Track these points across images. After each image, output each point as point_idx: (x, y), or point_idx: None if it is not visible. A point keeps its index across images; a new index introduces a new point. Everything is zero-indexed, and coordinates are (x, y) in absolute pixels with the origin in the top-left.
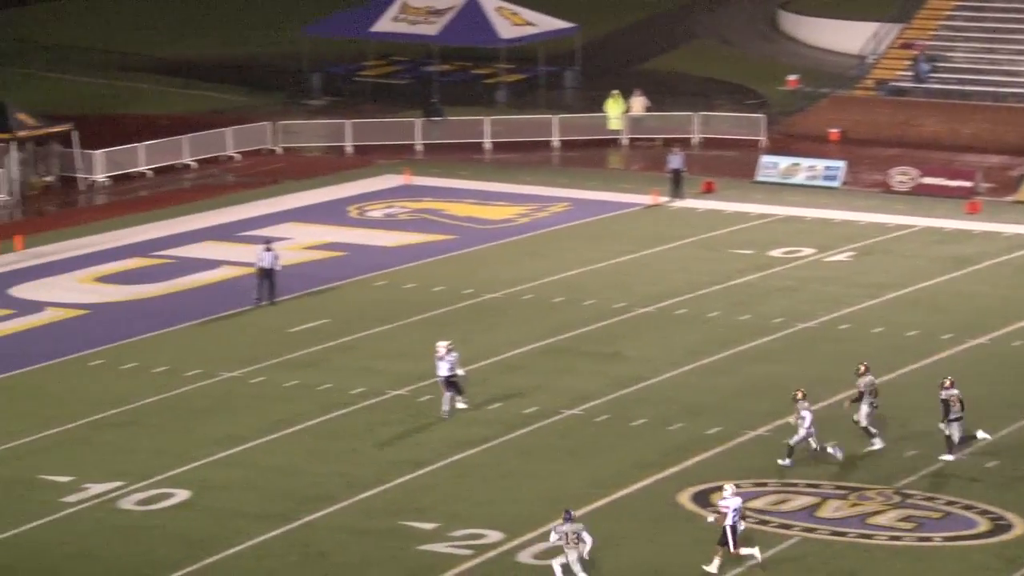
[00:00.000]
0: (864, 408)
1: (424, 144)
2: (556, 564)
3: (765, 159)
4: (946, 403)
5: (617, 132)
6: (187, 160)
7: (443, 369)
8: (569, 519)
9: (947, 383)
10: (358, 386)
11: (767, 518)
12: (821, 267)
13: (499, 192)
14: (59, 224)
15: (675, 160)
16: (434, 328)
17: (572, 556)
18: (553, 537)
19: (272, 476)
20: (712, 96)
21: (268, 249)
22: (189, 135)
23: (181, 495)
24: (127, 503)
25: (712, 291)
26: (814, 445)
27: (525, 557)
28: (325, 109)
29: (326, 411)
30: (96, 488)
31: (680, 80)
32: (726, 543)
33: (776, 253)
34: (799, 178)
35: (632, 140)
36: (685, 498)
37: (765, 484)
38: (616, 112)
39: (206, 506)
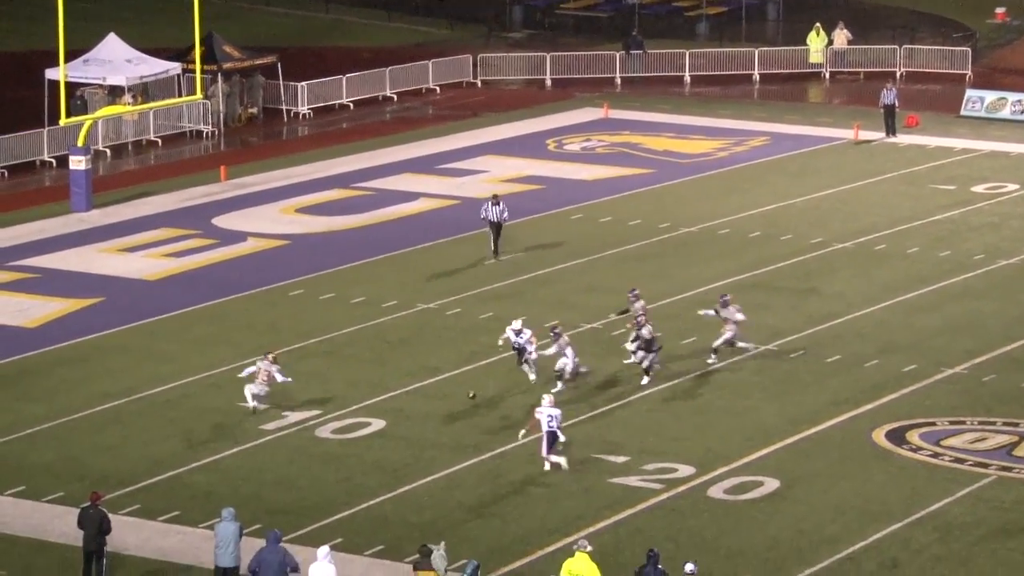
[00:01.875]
0: None
1: (623, 77)
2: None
3: (970, 93)
4: None
5: (818, 65)
6: (388, 93)
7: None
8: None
9: None
10: (552, 319)
11: (963, 456)
12: None
13: (697, 126)
14: (262, 155)
15: (888, 95)
16: (630, 262)
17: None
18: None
19: (465, 407)
20: (917, 29)
21: (496, 202)
22: (390, 68)
23: (377, 424)
24: (324, 432)
25: (912, 227)
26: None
27: (716, 492)
28: (525, 42)
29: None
30: (295, 416)
31: (884, 13)
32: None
33: (979, 189)
34: (1005, 113)
35: (833, 74)
36: (880, 436)
37: (963, 423)
38: (818, 45)
39: (400, 436)
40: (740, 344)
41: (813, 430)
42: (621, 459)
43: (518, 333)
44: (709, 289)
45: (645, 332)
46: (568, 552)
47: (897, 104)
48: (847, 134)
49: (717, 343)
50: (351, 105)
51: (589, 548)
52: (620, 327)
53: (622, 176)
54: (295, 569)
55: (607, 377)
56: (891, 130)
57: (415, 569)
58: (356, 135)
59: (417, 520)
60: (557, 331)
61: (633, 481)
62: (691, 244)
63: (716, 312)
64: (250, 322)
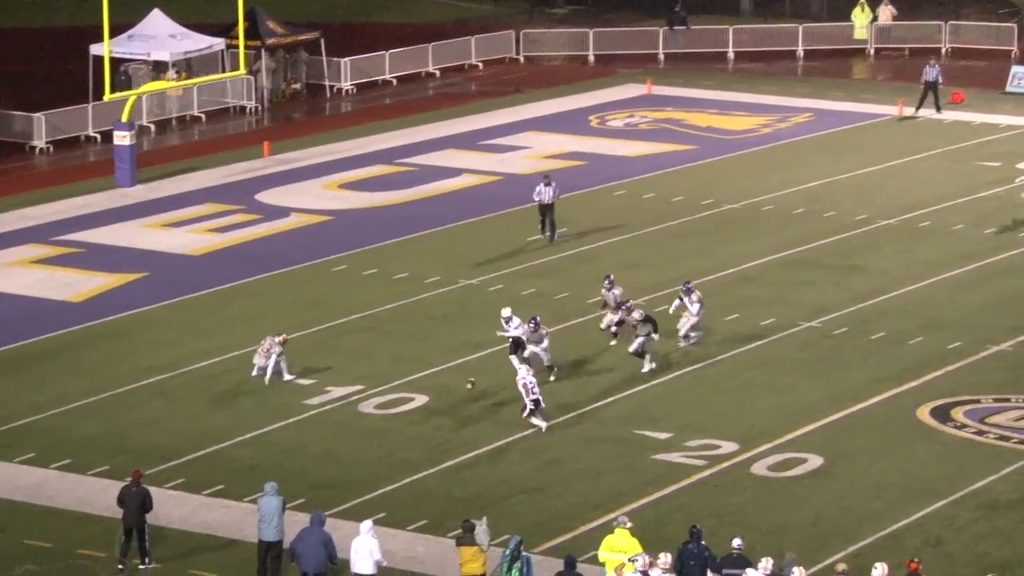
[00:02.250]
0: None
1: (666, 53)
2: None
3: (1016, 69)
4: None
5: (863, 42)
6: (431, 69)
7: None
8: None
9: None
10: (594, 295)
11: (1008, 434)
12: None
13: (741, 102)
14: (305, 131)
15: (931, 72)
16: (672, 239)
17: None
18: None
19: (509, 383)
20: (962, 5)
21: (548, 183)
22: (433, 44)
23: (419, 400)
24: (367, 407)
25: (957, 204)
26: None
27: (759, 469)
28: (568, 18)
29: (562, 320)
30: (338, 391)
31: None
32: (537, 407)
33: None
34: None
35: (878, 50)
36: (924, 413)
37: (1008, 400)
38: (863, 21)
39: (443, 411)
40: (692, 333)
41: (857, 407)
42: (664, 435)
43: (507, 321)
44: (752, 266)
45: (637, 315)
46: (610, 528)
47: (940, 81)
48: (891, 111)
49: (684, 329)
50: (394, 81)
51: (629, 524)
52: (662, 303)
53: (665, 152)
54: (333, 560)
55: (649, 351)
56: (934, 106)
57: (458, 544)
58: (399, 111)
59: (460, 495)
60: (535, 322)
61: (676, 457)
62: (734, 221)
63: (681, 299)
64: (293, 297)
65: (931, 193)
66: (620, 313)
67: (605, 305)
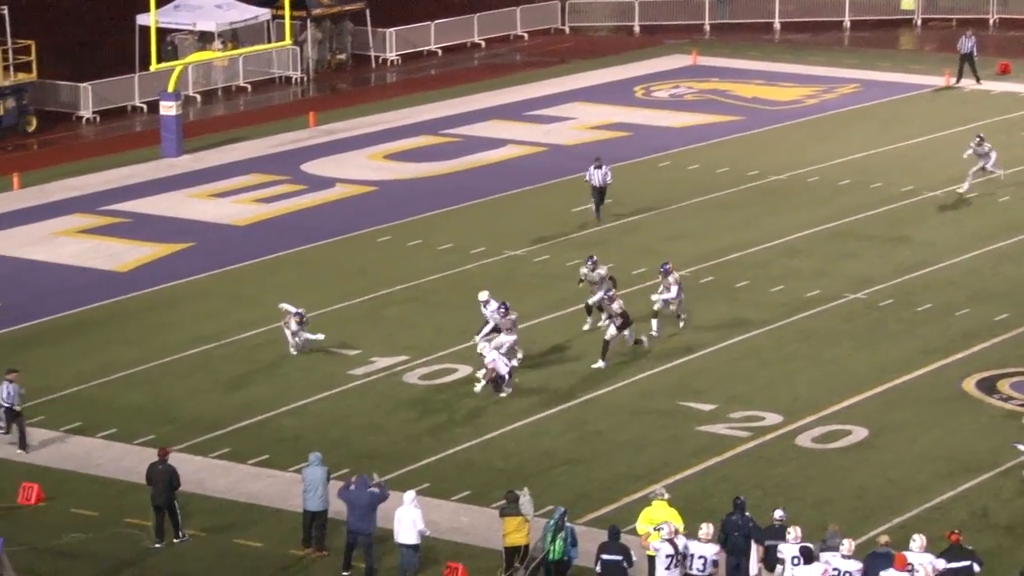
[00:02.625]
0: None
1: (712, 24)
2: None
3: None
4: None
5: (910, 12)
6: (476, 39)
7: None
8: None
9: None
10: (640, 266)
11: None
12: None
13: (787, 73)
14: (351, 101)
15: (967, 44)
16: (717, 210)
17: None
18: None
19: (552, 354)
20: None
21: (599, 166)
22: (478, 14)
23: (463, 371)
24: (411, 377)
25: (1004, 175)
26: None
27: (804, 441)
28: None
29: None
30: (382, 362)
31: None
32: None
33: None
34: None
35: (925, 20)
36: (970, 385)
37: None
38: None
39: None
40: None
41: (902, 379)
42: (708, 407)
43: (484, 305)
44: (797, 237)
45: (616, 307)
46: (649, 501)
47: (976, 52)
48: (938, 81)
49: (658, 306)
50: (439, 51)
51: (667, 496)
52: (706, 275)
53: (710, 123)
54: (384, 499)
55: (694, 323)
56: (974, 76)
57: (502, 515)
58: (444, 82)
59: (504, 466)
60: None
61: (720, 429)
62: (780, 192)
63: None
64: (338, 268)
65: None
66: (603, 297)
67: (582, 281)
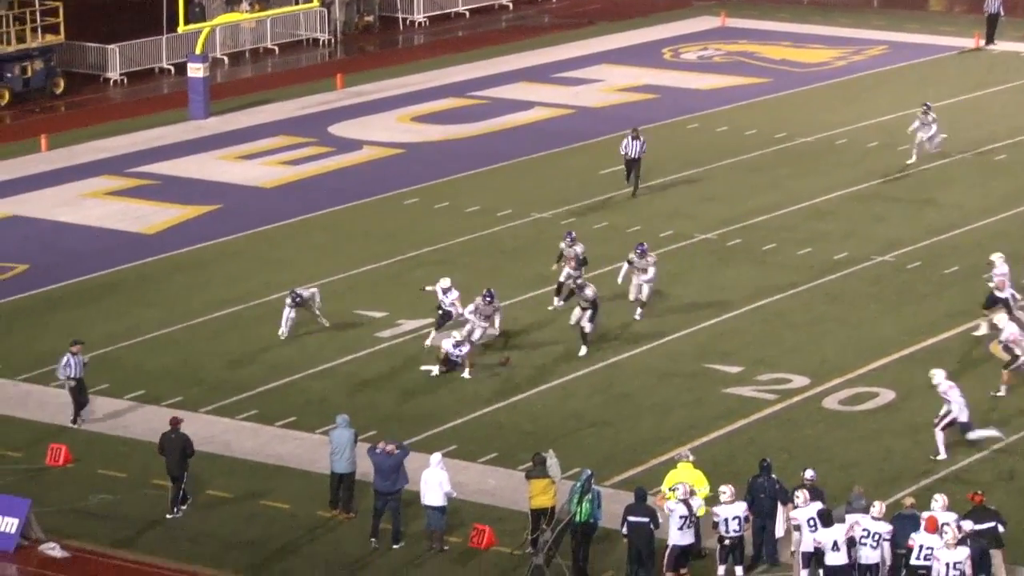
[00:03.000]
0: None
1: None
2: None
3: None
4: None
5: None
6: (504, 1)
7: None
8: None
9: None
10: (666, 229)
11: None
12: None
13: (815, 35)
14: (378, 64)
15: (993, 4)
16: (745, 172)
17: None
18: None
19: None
20: None
21: (636, 137)
22: None
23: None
24: (439, 339)
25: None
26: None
27: (831, 403)
28: None
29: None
30: (409, 324)
31: None
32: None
33: None
34: None
35: None
36: (998, 348)
37: None
38: None
39: (514, 344)
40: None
41: (929, 341)
42: (735, 369)
43: (446, 292)
44: (824, 200)
45: (589, 292)
46: (674, 463)
47: (1002, 14)
48: (967, 43)
49: (636, 293)
50: (467, 13)
51: (692, 458)
52: (734, 237)
53: (739, 85)
54: (406, 454)
55: (721, 286)
56: (991, 37)
57: (528, 477)
58: (471, 43)
59: (531, 428)
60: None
61: (747, 391)
62: (807, 154)
63: (630, 263)
64: (366, 230)
65: (1006, 126)
66: (571, 278)
67: (561, 257)
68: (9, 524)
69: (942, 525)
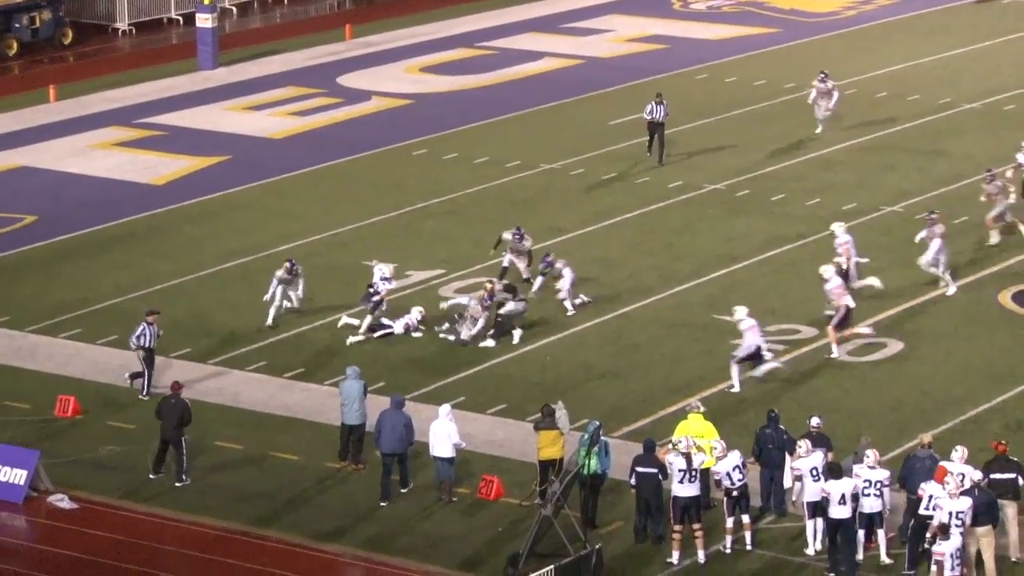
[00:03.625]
0: None
1: None
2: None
3: None
4: None
5: None
6: None
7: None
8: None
9: None
10: (676, 180)
11: None
12: None
13: None
14: (386, 14)
15: None
16: (755, 122)
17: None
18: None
19: (590, 267)
20: None
21: (660, 101)
22: None
23: (499, 284)
24: (447, 291)
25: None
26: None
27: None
28: None
29: (644, 204)
30: (418, 275)
31: None
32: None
33: None
34: None
35: None
36: (1006, 298)
37: None
38: None
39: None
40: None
41: (938, 292)
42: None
43: (386, 281)
44: (834, 150)
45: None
46: (684, 414)
47: None
48: None
49: (569, 299)
50: None
51: (702, 409)
52: (744, 187)
53: (748, 35)
54: (411, 442)
55: (730, 237)
56: None
57: (537, 429)
58: None
59: (539, 380)
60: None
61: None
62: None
63: (543, 275)
64: (375, 181)
65: (1016, 76)
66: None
67: (499, 243)
68: (18, 475)
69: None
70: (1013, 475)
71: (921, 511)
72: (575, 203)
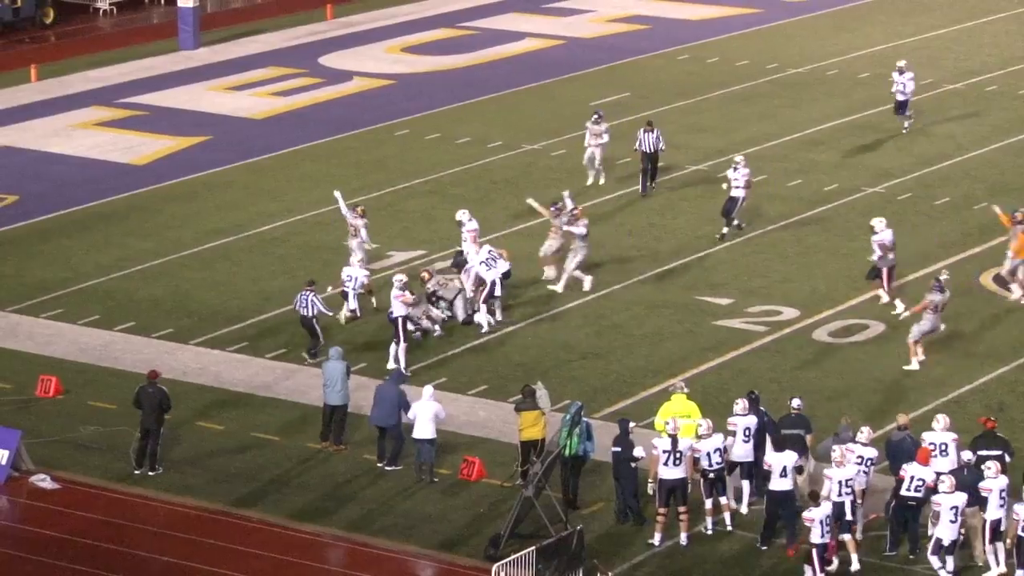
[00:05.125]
0: None
1: None
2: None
3: None
4: None
5: None
6: None
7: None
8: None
9: None
10: (660, 160)
11: None
12: None
13: None
14: None
15: None
16: (736, 103)
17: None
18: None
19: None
20: None
21: (650, 129)
22: None
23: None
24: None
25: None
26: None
27: (821, 335)
28: None
29: (625, 184)
30: (400, 256)
31: None
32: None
33: None
34: None
35: None
36: (987, 279)
37: None
38: None
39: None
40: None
41: (920, 272)
42: (725, 301)
43: (351, 279)
44: (816, 130)
45: (435, 313)
46: (668, 395)
47: None
48: None
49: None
50: None
51: (686, 390)
52: (723, 168)
53: (729, 16)
54: (406, 409)
55: (711, 217)
56: None
57: (518, 409)
58: None
59: (521, 360)
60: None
61: (737, 323)
62: (799, 85)
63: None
64: (357, 161)
65: (998, 57)
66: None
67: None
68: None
69: (938, 476)
70: (999, 451)
71: (903, 492)
72: (556, 184)
